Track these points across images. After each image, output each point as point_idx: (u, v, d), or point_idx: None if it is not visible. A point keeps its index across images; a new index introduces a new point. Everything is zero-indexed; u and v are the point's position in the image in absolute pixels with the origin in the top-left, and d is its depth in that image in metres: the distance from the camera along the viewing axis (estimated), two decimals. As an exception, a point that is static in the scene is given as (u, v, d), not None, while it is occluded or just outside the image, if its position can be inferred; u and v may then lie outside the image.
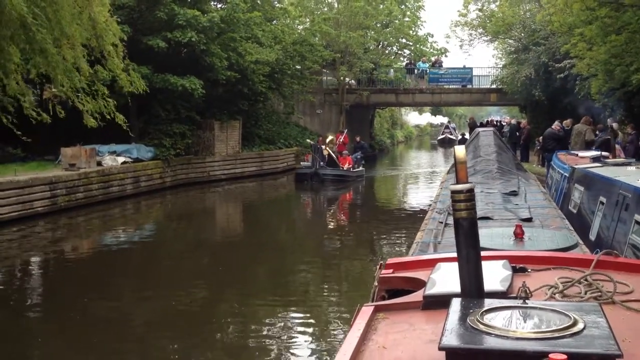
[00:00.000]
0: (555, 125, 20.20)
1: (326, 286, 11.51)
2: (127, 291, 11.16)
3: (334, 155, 26.42)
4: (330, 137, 27.96)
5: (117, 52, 15.99)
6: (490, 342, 2.06)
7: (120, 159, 21.66)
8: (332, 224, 19.35)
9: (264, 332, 8.76)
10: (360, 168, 28.05)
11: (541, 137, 25.87)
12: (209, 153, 27.07)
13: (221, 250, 14.89)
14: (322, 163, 25.52)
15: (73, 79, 15.01)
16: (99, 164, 20.84)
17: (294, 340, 8.51)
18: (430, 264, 3.50)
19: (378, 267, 3.76)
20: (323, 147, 26.23)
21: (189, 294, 10.74)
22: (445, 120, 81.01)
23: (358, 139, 32.89)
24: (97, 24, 15.05)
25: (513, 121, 35.03)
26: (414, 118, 78.45)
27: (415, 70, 39.84)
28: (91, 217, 18.58)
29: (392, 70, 40.27)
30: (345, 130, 31.32)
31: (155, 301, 10.31)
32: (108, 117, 16.00)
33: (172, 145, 24.02)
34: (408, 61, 41.84)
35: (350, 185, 26.24)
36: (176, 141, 24.28)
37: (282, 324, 9.24)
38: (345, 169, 26.59)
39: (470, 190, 2.67)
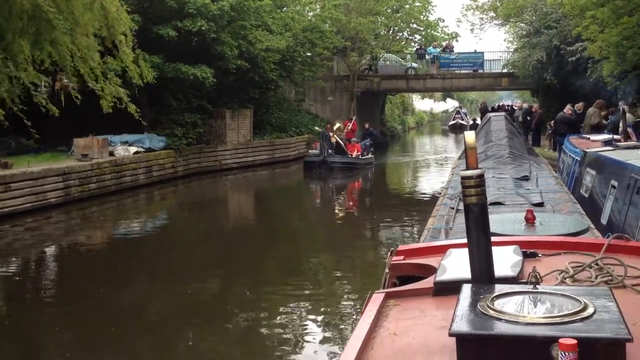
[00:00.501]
0: (567, 109, 20.08)
1: (338, 273, 11.54)
2: (140, 281, 11.24)
3: (341, 143, 26.13)
4: (337, 125, 27.57)
5: (127, 42, 16.02)
6: (501, 328, 2.07)
7: (133, 149, 21.73)
8: (342, 211, 19.35)
9: (276, 320, 8.81)
10: (370, 155, 27.70)
11: (553, 121, 25.79)
12: (221, 142, 27.11)
13: (233, 239, 14.95)
14: (330, 151, 25.21)
15: (91, 66, 15.08)
16: (111, 154, 20.92)
17: (305, 327, 8.55)
18: (441, 250, 3.51)
19: (389, 253, 3.77)
20: (331, 134, 25.97)
21: (202, 283, 10.80)
22: (450, 105, 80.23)
23: (367, 125, 32.40)
24: (109, 14, 15.08)
25: (525, 105, 34.84)
26: (416, 104, 77.49)
27: (427, 56, 39.63)
28: (104, 208, 18.69)
29: (409, 56, 39.99)
30: (354, 117, 30.90)
31: (168, 290, 10.37)
32: (123, 105, 16.04)
33: (183, 135, 24.06)
34: (419, 46, 41.59)
35: (359, 172, 26.01)
36: (188, 130, 24.31)
37: (294, 311, 9.28)
38: (353, 156, 26.30)
39: (480, 176, 2.67)
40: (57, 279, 11.82)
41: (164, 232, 16.13)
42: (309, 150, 27.80)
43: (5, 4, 12.72)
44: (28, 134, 20.66)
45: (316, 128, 29.23)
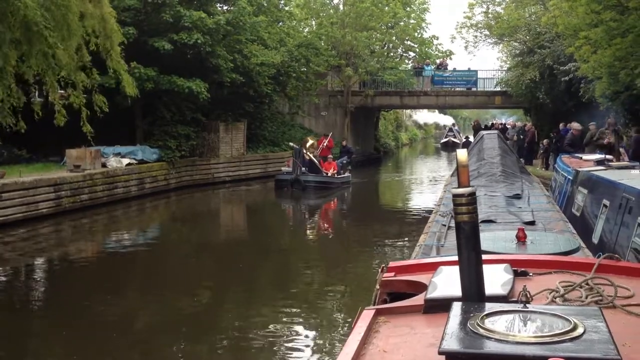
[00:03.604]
0: (575, 128, 19.93)
1: (328, 289, 11.51)
2: (131, 293, 11.19)
3: (315, 160, 24.89)
4: (310, 142, 26.13)
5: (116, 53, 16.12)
6: (490, 347, 2.07)
7: (125, 161, 21.70)
8: (332, 229, 19.35)
9: (266, 335, 8.76)
10: (346, 174, 26.33)
11: (545, 140, 25.91)
12: (214, 155, 27.10)
13: (224, 253, 14.92)
14: (303, 169, 23.88)
15: (80, 78, 15.12)
16: (104, 165, 20.88)
17: (295, 343, 8.51)
18: (432, 267, 3.50)
19: (380, 270, 3.76)
20: (304, 151, 24.60)
21: (193, 297, 10.77)
22: (444, 118, 79.84)
23: (344, 142, 31.37)
24: (107, 24, 15.14)
25: (519, 124, 34.94)
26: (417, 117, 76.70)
27: (423, 72, 39.75)
28: (96, 219, 18.61)
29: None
30: (330, 134, 29.78)
31: (159, 303, 10.33)
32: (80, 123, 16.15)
33: (177, 147, 24.03)
34: (416, 64, 41.66)
35: (334, 192, 24.77)
36: (181, 143, 24.29)
37: (284, 325, 9.24)
38: (329, 175, 25.02)
39: (472, 194, 2.68)
40: (47, 290, 11.74)
41: (154, 244, 16.07)
42: (281, 168, 26.19)
43: (3, 14, 12.72)
44: (20, 144, 20.70)
45: (290, 144, 27.13)
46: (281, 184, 24.12)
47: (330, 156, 26.72)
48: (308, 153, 24.84)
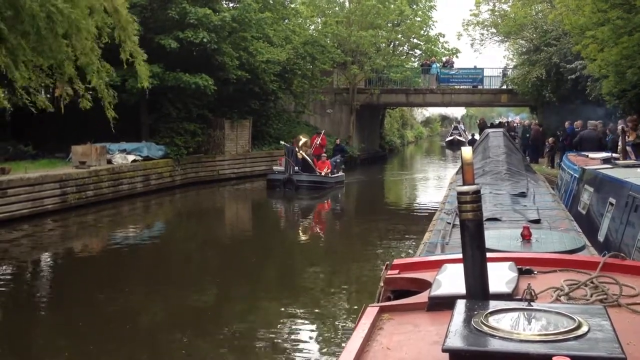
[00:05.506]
0: (594, 125, 19.73)
1: (332, 286, 11.51)
2: (136, 289, 11.20)
3: (308, 159, 24.15)
4: (303, 140, 25.43)
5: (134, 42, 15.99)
6: (494, 344, 2.06)
7: (131, 157, 21.74)
8: (335, 227, 19.34)
9: (270, 331, 8.78)
10: (340, 173, 25.57)
11: (551, 139, 25.86)
12: (219, 152, 27.13)
13: (229, 249, 14.93)
14: (296, 168, 23.21)
15: (100, 74, 15.09)
16: (109, 162, 20.93)
17: (299, 339, 8.51)
18: (437, 265, 3.50)
19: (384, 267, 3.75)
20: (297, 149, 23.86)
21: (197, 293, 10.77)
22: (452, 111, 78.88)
23: (338, 141, 30.82)
24: (121, 16, 15.08)
25: (526, 122, 34.87)
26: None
27: (430, 70, 39.69)
28: (101, 215, 18.65)
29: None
30: (323, 131, 29.16)
31: (164, 299, 10.35)
32: (110, 112, 16.00)
33: (183, 144, 24.06)
34: (424, 61, 41.52)
35: (328, 192, 24.04)
36: (187, 140, 24.32)
37: (288, 323, 9.24)
38: (322, 174, 24.23)
39: (477, 192, 2.67)
40: (53, 286, 11.75)
41: (160, 240, 16.09)
42: (273, 167, 25.31)
43: (13, 6, 12.70)
44: (26, 140, 20.76)
45: (282, 142, 26.18)
46: (273, 183, 23.43)
47: (324, 155, 25.92)
48: (301, 152, 24.12)
